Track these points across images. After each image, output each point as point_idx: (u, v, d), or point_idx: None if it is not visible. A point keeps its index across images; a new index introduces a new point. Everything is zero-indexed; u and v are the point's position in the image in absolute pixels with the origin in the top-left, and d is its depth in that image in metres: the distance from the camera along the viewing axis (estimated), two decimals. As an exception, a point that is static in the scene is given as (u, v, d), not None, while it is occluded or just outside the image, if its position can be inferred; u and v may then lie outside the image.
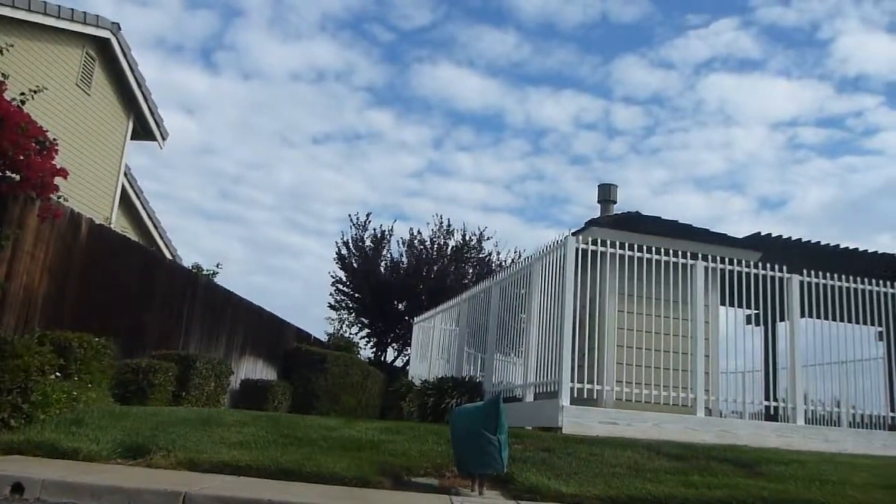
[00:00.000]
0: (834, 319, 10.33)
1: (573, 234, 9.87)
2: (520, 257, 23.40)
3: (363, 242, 26.06)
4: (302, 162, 57.24)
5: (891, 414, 10.35)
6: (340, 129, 55.80)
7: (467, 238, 25.99)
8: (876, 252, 11.82)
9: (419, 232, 26.12)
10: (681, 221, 10.54)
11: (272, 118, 54.80)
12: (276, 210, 56.14)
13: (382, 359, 26.33)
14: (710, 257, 10.02)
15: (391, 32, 51.85)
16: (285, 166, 56.70)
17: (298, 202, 56.71)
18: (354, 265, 25.81)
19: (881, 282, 10.67)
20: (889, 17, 48.29)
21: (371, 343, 26.62)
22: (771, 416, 10.04)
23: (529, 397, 9.77)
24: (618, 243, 9.69)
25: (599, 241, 9.65)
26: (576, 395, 8.90)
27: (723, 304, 10.39)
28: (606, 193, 12.56)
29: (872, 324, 10.57)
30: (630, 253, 9.70)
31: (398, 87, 54.34)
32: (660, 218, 10.42)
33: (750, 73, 51.55)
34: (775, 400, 10.17)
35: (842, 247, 11.60)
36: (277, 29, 50.94)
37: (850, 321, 10.37)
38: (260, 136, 55.37)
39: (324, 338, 22.36)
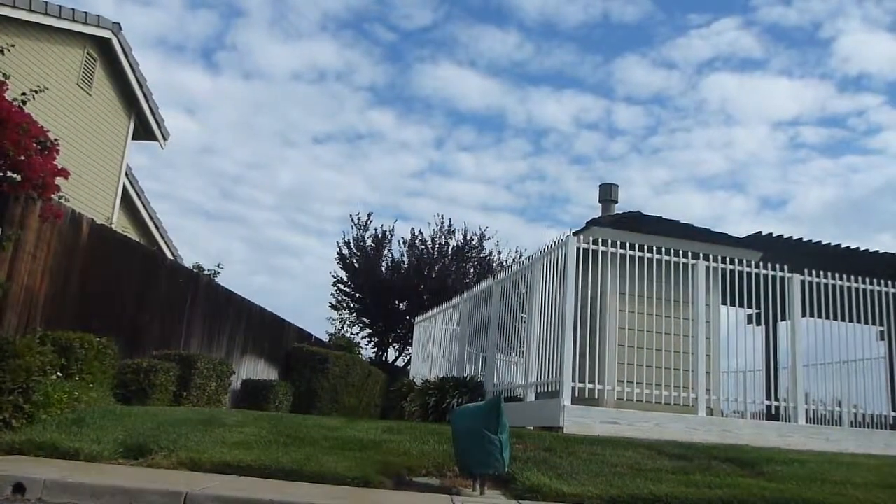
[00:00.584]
0: (835, 319, 10.33)
1: (574, 233, 9.87)
2: (521, 257, 23.43)
3: (364, 242, 26.08)
4: (303, 162, 57.27)
5: (892, 413, 10.35)
6: (341, 129, 55.82)
7: (468, 238, 26.03)
8: (877, 251, 11.82)
9: (420, 232, 26.19)
10: (682, 221, 10.55)
11: (273, 118, 54.84)
12: (278, 210, 56.17)
13: (384, 359, 26.36)
14: (711, 257, 10.03)
15: (392, 32, 51.87)
16: (286, 166, 56.73)
17: (299, 202, 56.72)
18: (356, 265, 25.83)
19: (882, 281, 10.67)
20: (891, 16, 48.31)
21: (372, 343, 26.67)
22: (772, 415, 10.04)
23: (531, 397, 9.77)
24: (619, 243, 9.69)
25: (600, 240, 9.65)
26: (577, 394, 8.90)
27: (724, 303, 10.39)
28: (608, 193, 12.56)
29: (874, 323, 10.57)
30: (631, 252, 9.70)
31: (399, 86, 54.37)
32: (661, 217, 10.42)
33: (752, 72, 51.56)
34: (776, 399, 10.17)
35: (843, 246, 11.60)
36: (278, 29, 50.98)
37: (851, 321, 10.37)
38: (261, 136, 55.42)
39: (325, 338, 22.38)
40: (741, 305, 10.32)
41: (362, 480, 5.29)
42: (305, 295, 53.75)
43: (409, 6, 50.63)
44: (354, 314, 26.84)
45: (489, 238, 26.40)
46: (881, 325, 10.68)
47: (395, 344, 26.74)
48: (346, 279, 26.20)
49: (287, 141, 56.00)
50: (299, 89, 53.49)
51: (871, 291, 10.59)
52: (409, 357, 23.23)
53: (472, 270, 25.61)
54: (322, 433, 6.93)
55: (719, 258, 10.04)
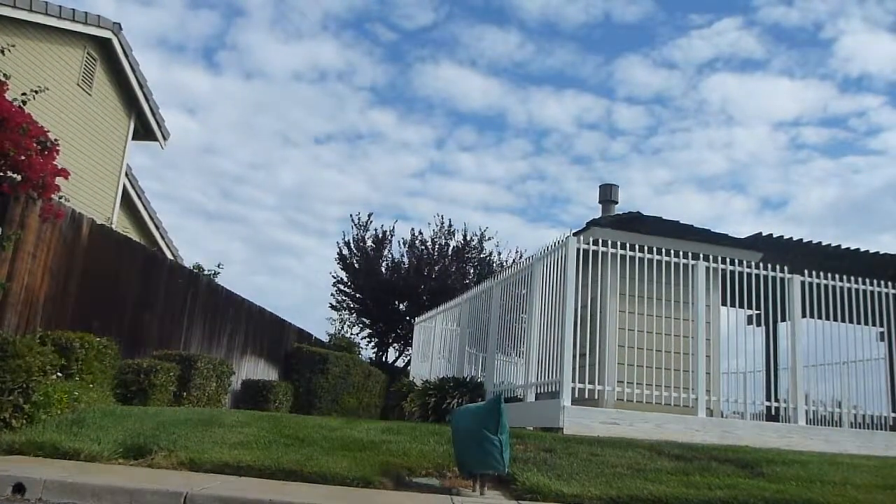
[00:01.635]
0: (835, 320, 10.32)
1: (574, 234, 9.87)
2: (521, 257, 23.43)
3: (364, 243, 26.07)
4: (304, 162, 57.27)
5: (892, 414, 10.35)
6: (342, 129, 55.81)
7: (468, 238, 26.01)
8: (877, 252, 11.81)
9: (420, 232, 26.15)
10: (682, 221, 10.53)
11: (274, 118, 54.84)
12: (278, 210, 56.16)
13: (384, 359, 26.35)
14: (711, 257, 10.02)
15: (393, 32, 51.84)
16: (287, 166, 56.73)
17: (300, 202, 56.73)
18: (356, 265, 25.82)
19: (882, 282, 10.66)
20: (892, 16, 48.30)
21: (372, 343, 26.66)
22: (772, 416, 10.04)
23: (531, 397, 9.77)
24: (619, 243, 9.69)
25: (600, 241, 9.65)
26: (577, 395, 8.90)
27: (724, 304, 10.38)
28: (608, 194, 12.58)
29: (874, 324, 10.56)
30: (631, 253, 9.70)
31: (400, 86, 54.35)
32: (661, 218, 10.41)
33: (752, 72, 51.53)
34: (777, 400, 10.17)
35: (843, 247, 11.59)
36: (279, 29, 50.98)
37: (851, 322, 10.37)
38: (262, 136, 55.43)
39: (325, 338, 22.39)
40: (741, 306, 10.31)
41: (362, 481, 5.29)
42: (306, 295, 53.78)
43: (410, 6, 50.66)
44: (354, 314, 26.84)
45: (489, 238, 26.41)
46: (881, 325, 10.67)
47: (395, 344, 26.73)
48: (346, 279, 26.21)
49: (288, 141, 56.04)
50: (300, 89, 53.53)
51: (872, 292, 10.58)
52: (409, 357, 23.23)
53: (472, 271, 25.59)
54: (322, 433, 6.94)
55: (719, 259, 10.03)
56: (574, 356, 8.97)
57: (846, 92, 53.22)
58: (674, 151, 57.24)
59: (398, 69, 53.62)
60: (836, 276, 10.47)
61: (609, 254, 9.65)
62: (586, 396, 9.02)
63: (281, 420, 8.02)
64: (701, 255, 10.00)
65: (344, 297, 26.57)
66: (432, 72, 52.60)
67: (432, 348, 16.46)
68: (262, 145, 55.75)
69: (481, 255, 26.12)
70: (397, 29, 51.39)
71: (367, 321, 26.47)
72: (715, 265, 9.98)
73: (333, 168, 56.54)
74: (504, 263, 24.57)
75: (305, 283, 54.31)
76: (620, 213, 11.38)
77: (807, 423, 9.80)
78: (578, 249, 9.43)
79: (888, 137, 55.30)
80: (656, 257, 9.81)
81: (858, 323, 10.41)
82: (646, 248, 9.79)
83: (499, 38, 50.14)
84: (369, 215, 26.55)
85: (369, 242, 26.06)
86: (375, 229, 26.33)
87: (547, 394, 9.46)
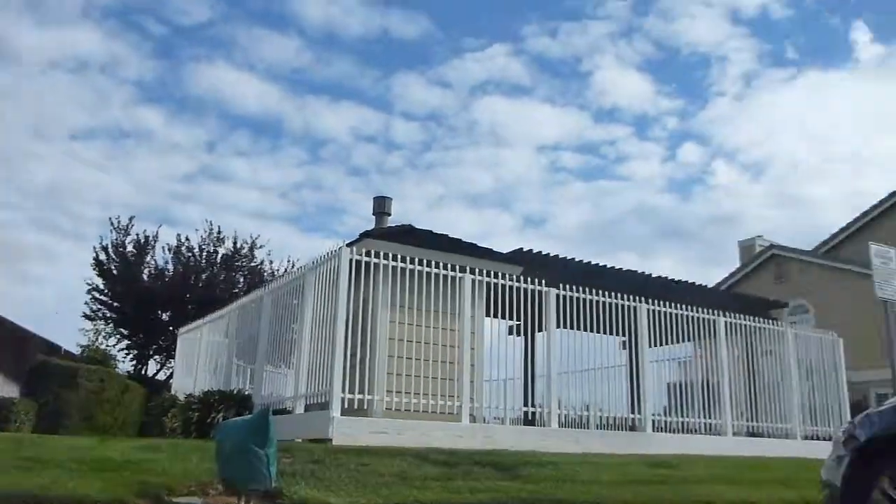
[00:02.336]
0: (586, 330, 11.17)
1: (348, 245, 9.91)
2: (294, 267, 23.10)
3: (125, 248, 24.46)
4: (58, 158, 52.56)
5: (631, 416, 11.37)
6: (104, 125, 51.92)
7: (238, 246, 25.26)
8: (621, 269, 13.00)
9: (187, 238, 24.98)
10: (451, 236, 10.93)
11: (23, 107, 49.87)
12: (25, 209, 51.07)
13: (143, 372, 24.80)
14: (477, 270, 10.47)
15: (164, 26, 49.18)
16: (38, 162, 51.75)
17: (51, 201, 51.94)
18: (114, 272, 24.15)
19: (624, 296, 11.68)
20: (640, 56, 53.42)
21: (131, 356, 25.00)
22: (529, 420, 10.66)
23: (300, 409, 9.65)
24: (391, 255, 9.86)
25: (373, 252, 9.77)
26: (346, 405, 8.91)
27: (488, 315, 10.88)
28: (382, 206, 12.77)
29: (617, 334, 11.56)
30: (402, 265, 9.90)
31: (170, 84, 51.54)
32: (431, 232, 10.74)
33: (519, 97, 54.72)
34: (533, 406, 10.81)
35: (593, 263, 12.61)
36: (34, 12, 46.55)
37: (599, 332, 11.26)
38: (6, 127, 50.15)
39: (77, 350, 20.71)
40: (504, 317, 10.86)
41: (116, 503, 4.95)
42: (58, 303, 49.29)
43: (184, 1, 48.36)
44: (112, 324, 25.04)
45: (261, 247, 25.78)
46: (623, 335, 11.72)
47: (156, 356, 25.25)
48: (102, 287, 24.39)
49: (39, 134, 51.18)
50: (56, 78, 49.14)
51: (616, 305, 11.54)
52: (171, 370, 22.07)
53: (242, 280, 24.89)
54: (71, 454, 6.42)
55: (484, 272, 10.51)
56: (345, 366, 8.98)
57: (600, 122, 58.15)
58: (446, 168, 59.39)
59: (169, 65, 50.92)
60: (588, 289, 11.33)
61: (381, 265, 9.79)
62: (356, 407, 9.06)
63: (22, 441, 7.30)
64: (468, 268, 10.42)
65: (100, 306, 24.69)
66: (207, 71, 50.47)
67: (198, 360, 15.75)
68: (5, 137, 50.48)
69: (252, 264, 25.48)
70: (169, 23, 48.85)
71: (126, 332, 24.82)
72: (480, 278, 10.45)
73: (93, 166, 52.43)
74: (276, 273, 24.13)
75: (58, 291, 49.85)
76: (393, 225, 11.62)
77: (559, 426, 10.49)
78: (351, 260, 9.47)
79: (634, 165, 61.08)
80: (426, 269, 10.09)
81: (605, 333, 11.34)
82: (416, 260, 10.04)
83: (278, 43, 49.29)
84: (130, 218, 24.93)
85: (130, 248, 24.50)
86: (137, 234, 24.79)
87: (317, 405, 9.39)
